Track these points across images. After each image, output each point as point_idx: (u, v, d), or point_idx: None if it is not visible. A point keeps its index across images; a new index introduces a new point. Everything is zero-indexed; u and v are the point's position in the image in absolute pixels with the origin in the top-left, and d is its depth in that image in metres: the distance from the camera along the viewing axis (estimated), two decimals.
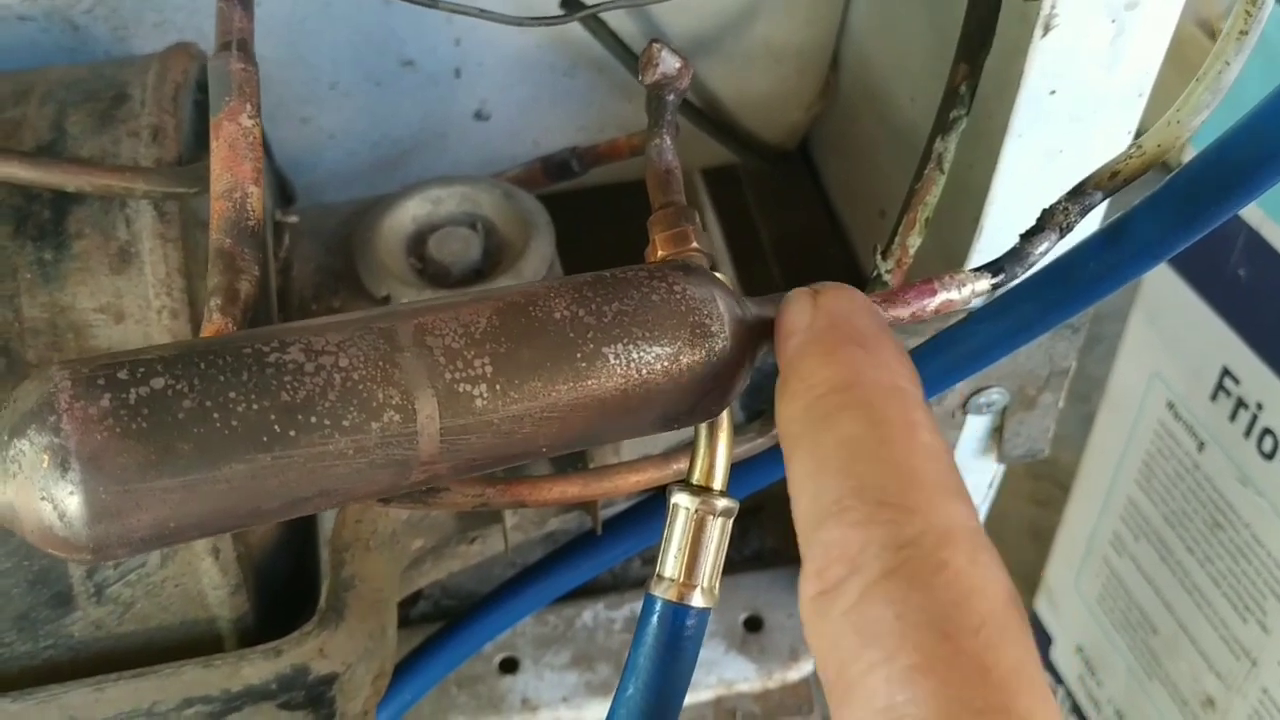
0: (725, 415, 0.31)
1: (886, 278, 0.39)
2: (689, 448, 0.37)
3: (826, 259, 0.63)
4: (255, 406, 0.23)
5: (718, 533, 0.30)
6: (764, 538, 0.61)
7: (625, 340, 0.26)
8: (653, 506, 0.45)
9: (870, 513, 0.22)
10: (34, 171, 0.34)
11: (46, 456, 0.22)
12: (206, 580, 0.36)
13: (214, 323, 0.28)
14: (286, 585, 0.41)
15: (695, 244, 0.32)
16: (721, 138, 0.60)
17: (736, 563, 0.61)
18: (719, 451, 0.30)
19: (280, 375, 0.23)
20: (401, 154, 0.59)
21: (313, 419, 0.23)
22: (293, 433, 0.23)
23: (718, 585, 0.31)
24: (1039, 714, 0.21)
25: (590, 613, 0.58)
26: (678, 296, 0.27)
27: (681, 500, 0.30)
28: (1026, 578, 1.03)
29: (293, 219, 0.45)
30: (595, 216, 0.54)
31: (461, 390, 0.24)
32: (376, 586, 0.38)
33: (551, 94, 0.57)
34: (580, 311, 0.26)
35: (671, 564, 0.30)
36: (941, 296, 0.31)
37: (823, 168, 0.66)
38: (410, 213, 0.45)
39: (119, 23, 0.49)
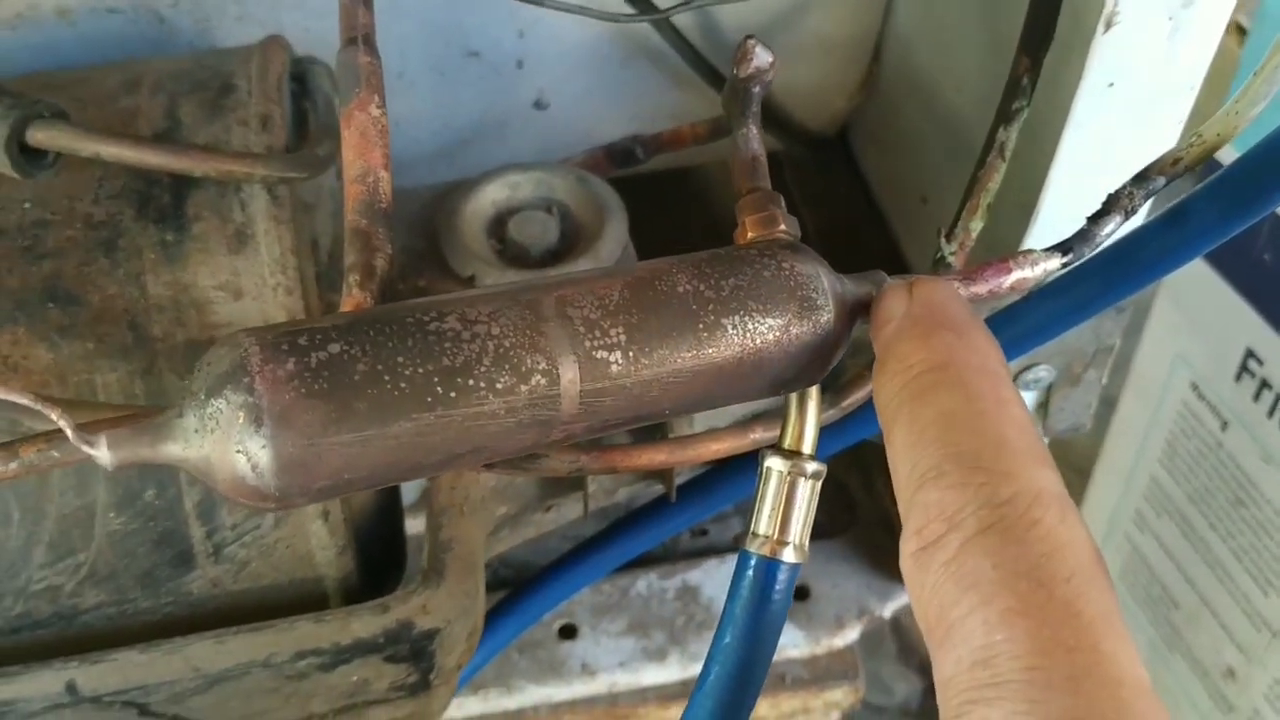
0: (814, 387, 0.33)
1: (950, 259, 0.41)
2: (760, 419, 0.40)
3: (867, 244, 0.65)
4: (421, 370, 0.25)
5: (807, 494, 0.33)
6: None
7: (741, 312, 0.28)
8: (717, 477, 0.47)
9: (966, 476, 0.24)
10: (164, 157, 0.36)
11: (242, 414, 0.24)
12: (316, 541, 0.39)
13: (353, 297, 0.30)
14: (378, 550, 0.43)
15: (783, 226, 0.34)
16: (768, 125, 0.62)
17: None
18: (809, 419, 0.33)
19: (441, 342, 0.25)
20: (461, 142, 0.61)
21: (470, 382, 0.25)
22: (453, 394, 0.25)
23: (807, 543, 0.33)
24: (1123, 654, 0.22)
25: (644, 582, 0.60)
26: (786, 273, 0.29)
27: (775, 464, 0.32)
28: None
29: None
30: (653, 201, 0.56)
31: (599, 356, 0.27)
32: (470, 549, 0.40)
33: (607, 85, 0.59)
34: (701, 286, 0.28)
35: (765, 522, 0.33)
36: (1016, 274, 0.34)
37: (862, 156, 0.68)
38: (490, 197, 0.47)
39: (202, 15, 0.52)
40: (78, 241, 0.38)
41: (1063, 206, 0.43)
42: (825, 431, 0.45)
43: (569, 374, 0.26)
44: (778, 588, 0.33)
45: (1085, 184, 0.42)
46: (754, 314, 0.28)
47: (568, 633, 0.58)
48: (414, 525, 0.45)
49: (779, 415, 0.40)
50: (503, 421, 0.26)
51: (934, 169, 0.59)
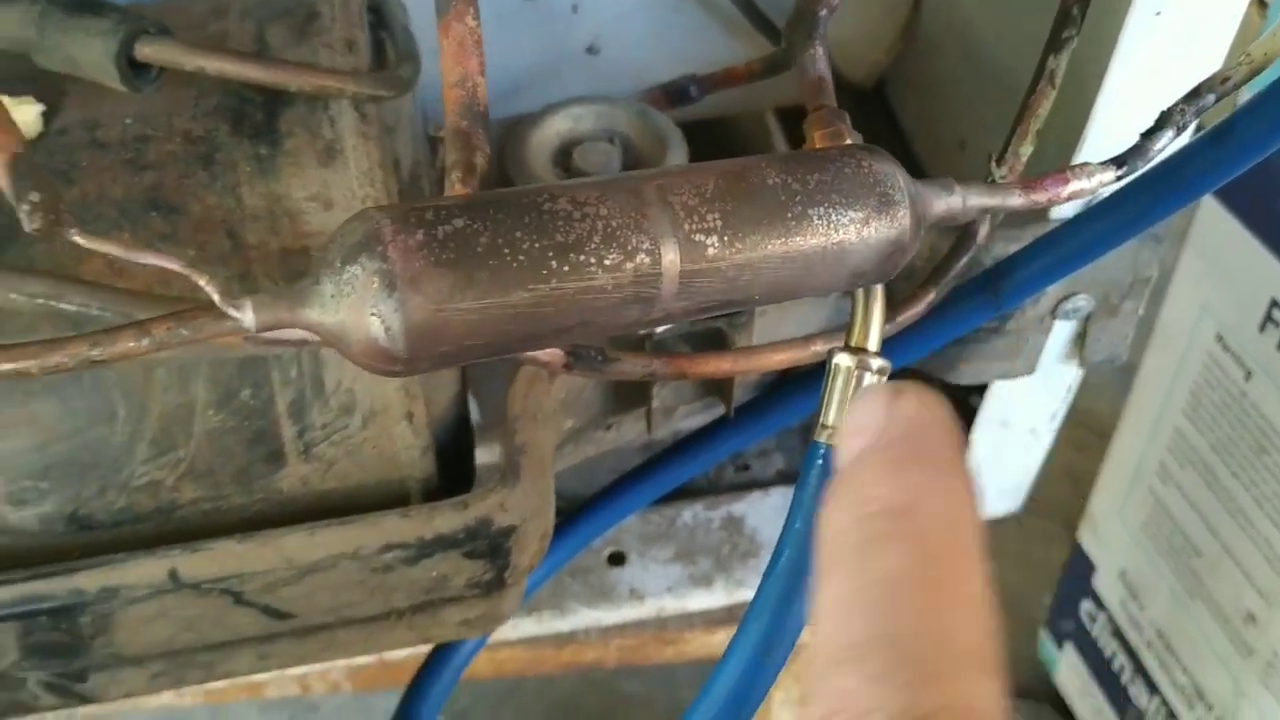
0: (880, 288, 0.35)
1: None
2: (820, 334, 0.42)
3: None
4: (537, 244, 0.27)
5: None
6: None
7: (826, 204, 0.30)
8: (773, 399, 0.49)
9: (890, 671, 0.20)
10: (264, 71, 0.38)
11: (376, 280, 0.26)
12: (400, 442, 0.41)
13: (456, 192, 0.32)
14: (453, 461, 0.45)
15: (849, 140, 0.36)
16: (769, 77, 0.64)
17: None
18: (874, 318, 0.35)
19: (554, 220, 0.28)
20: (515, 85, 0.63)
21: (581, 257, 0.28)
22: (566, 268, 0.27)
23: None
24: None
25: (690, 512, 0.62)
26: (866, 170, 0.31)
27: (842, 360, 0.35)
28: (1065, 519, 1.08)
29: (443, 134, 0.49)
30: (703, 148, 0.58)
31: (697, 240, 0.29)
32: (543, 454, 0.42)
33: (659, 29, 0.61)
34: (788, 179, 0.30)
35: (834, 414, 0.35)
36: (1073, 185, 0.36)
37: (900, 106, 0.70)
38: (554, 128, 0.49)
39: None
40: (177, 155, 0.40)
41: (1108, 134, 0.45)
42: (800, 389, 0.48)
43: (670, 255, 0.28)
44: None
45: (1130, 112, 0.43)
46: (837, 206, 0.30)
47: (617, 559, 0.61)
48: (482, 455, 0.47)
49: (838, 331, 0.42)
50: (609, 297, 0.28)
51: (972, 115, 0.61)
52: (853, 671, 0.20)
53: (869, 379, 0.35)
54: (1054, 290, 0.49)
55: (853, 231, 0.31)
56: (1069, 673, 1.00)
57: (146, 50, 0.38)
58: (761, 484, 0.64)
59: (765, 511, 0.63)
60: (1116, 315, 0.51)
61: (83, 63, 0.38)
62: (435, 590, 0.42)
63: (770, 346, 0.42)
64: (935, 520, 0.22)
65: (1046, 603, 1.06)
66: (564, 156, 0.49)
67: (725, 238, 0.29)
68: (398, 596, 0.42)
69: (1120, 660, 0.92)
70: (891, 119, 0.71)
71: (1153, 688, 0.89)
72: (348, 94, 0.39)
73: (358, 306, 0.26)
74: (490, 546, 0.41)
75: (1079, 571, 0.95)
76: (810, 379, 0.49)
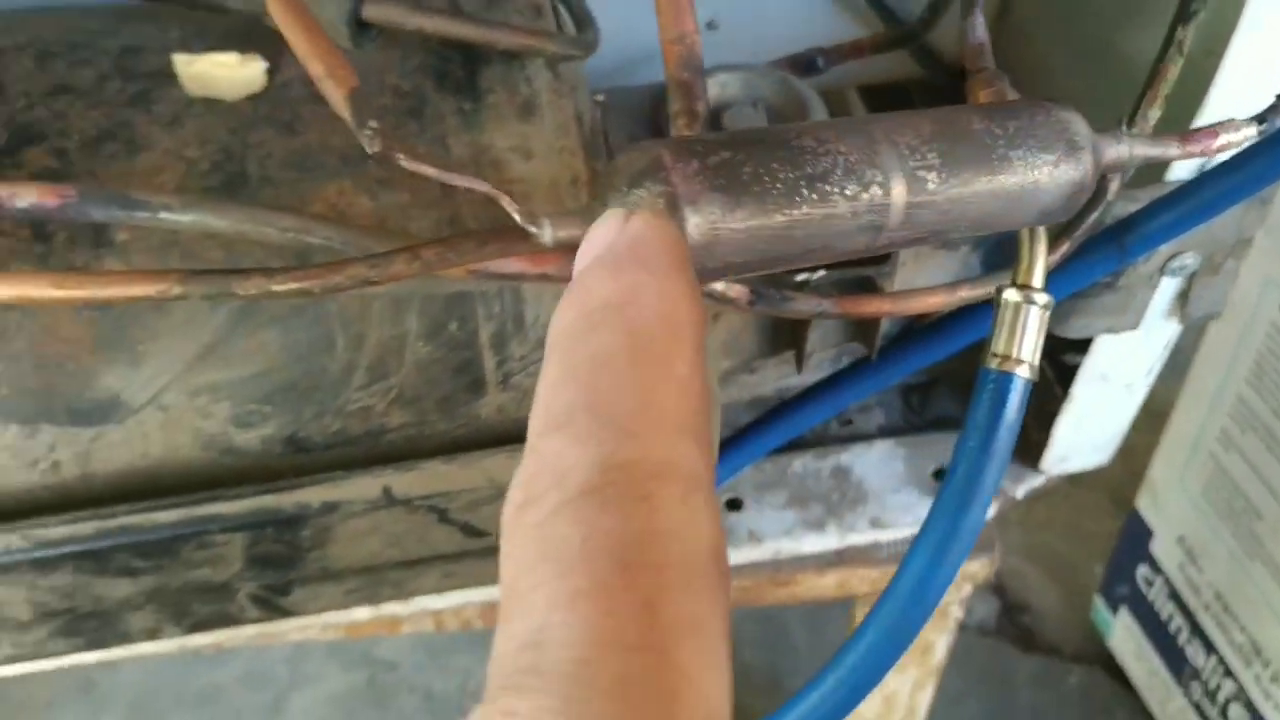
0: (1043, 230, 0.39)
1: None
2: (965, 281, 0.46)
3: None
4: (791, 174, 0.31)
5: (1038, 321, 0.39)
6: (943, 406, 0.70)
7: (1023, 148, 0.34)
8: (910, 342, 0.53)
9: (592, 431, 0.21)
10: (477, 30, 0.42)
11: (661, 201, 0.30)
12: None
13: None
14: None
15: (1012, 98, 0.40)
16: (914, 54, 0.68)
17: (919, 427, 0.69)
18: (1039, 257, 0.39)
19: (803, 154, 0.31)
20: (632, 60, 0.67)
21: (827, 187, 0.31)
22: (814, 196, 0.31)
23: (1038, 363, 0.39)
24: (698, 669, 0.19)
25: (800, 462, 0.66)
26: (1054, 118, 0.35)
27: (1010, 295, 0.39)
28: (1113, 491, 1.12)
29: (600, 98, 0.53)
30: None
31: (919, 175, 0.33)
32: (710, 387, 0.46)
33: (777, 6, 0.64)
34: (990, 125, 0.34)
35: (1002, 344, 0.39)
36: (1222, 139, 0.39)
37: None
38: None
39: None
40: (389, 108, 0.44)
41: (1232, 99, 0.48)
42: (932, 335, 0.52)
43: (898, 188, 0.32)
44: (1012, 399, 0.39)
45: (1252, 80, 0.47)
46: (1033, 149, 0.34)
47: (734, 505, 0.64)
48: None
49: (981, 278, 0.46)
50: (847, 224, 0.32)
51: (1066, 93, 0.64)
52: (557, 435, 0.21)
53: (1033, 313, 0.39)
54: (1165, 248, 0.53)
55: (1045, 172, 0.34)
56: (1124, 636, 1.03)
57: (372, 11, 0.42)
58: (864, 436, 0.68)
59: (871, 461, 0.66)
60: (1218, 274, 0.55)
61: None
62: None
63: (925, 290, 0.46)
64: (648, 310, 0.23)
65: (1097, 572, 1.10)
66: (712, 119, 0.52)
67: (942, 174, 0.33)
68: None
69: (1177, 622, 0.96)
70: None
71: (1210, 647, 0.93)
72: (547, 53, 0.43)
73: None
74: None
75: (1136, 538, 0.99)
76: (939, 328, 0.53)
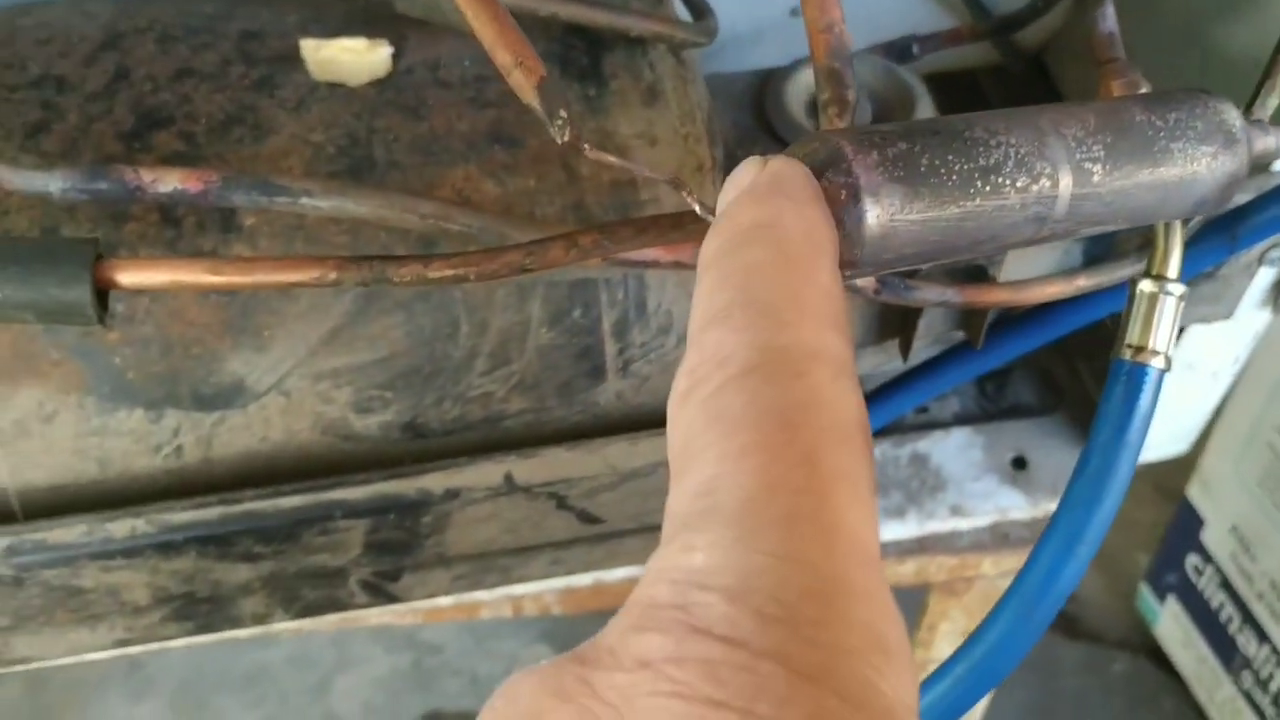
0: (1179, 222, 0.39)
1: None
2: (1083, 270, 0.46)
3: None
4: (967, 166, 0.31)
5: (1172, 311, 0.39)
6: (1018, 394, 0.70)
7: (1184, 139, 0.34)
8: (1012, 329, 0.53)
9: (751, 320, 0.23)
10: (610, 16, 0.42)
11: (844, 192, 0.30)
12: None
13: (834, 126, 0.36)
14: None
15: (1144, 89, 0.40)
16: (993, 40, 0.68)
17: (995, 415, 0.69)
18: (1175, 248, 0.39)
19: (975, 146, 0.31)
20: (719, 46, 0.66)
21: (999, 179, 0.31)
22: (987, 188, 0.31)
23: (1172, 353, 0.39)
24: (853, 512, 0.21)
25: (879, 450, 0.66)
26: (1212, 110, 0.35)
27: (1145, 286, 0.39)
28: (1157, 482, 1.12)
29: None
30: None
31: (1086, 167, 0.32)
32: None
33: None
34: (1151, 116, 0.34)
35: (1136, 334, 0.39)
36: None
37: (1062, 74, 0.74)
38: (804, 81, 0.53)
39: None
40: (514, 94, 0.43)
41: None
42: (1031, 324, 0.52)
43: (1065, 180, 0.32)
44: (1146, 389, 0.39)
45: None
46: (1194, 141, 0.34)
47: None
48: None
49: (1100, 268, 0.46)
50: (1017, 215, 0.32)
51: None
52: (717, 327, 0.23)
53: (1168, 304, 0.39)
54: (1266, 241, 0.53)
55: (1204, 164, 0.34)
56: (1171, 625, 1.04)
57: None
58: (941, 424, 0.68)
59: (949, 449, 0.66)
60: None
61: (446, 7, 0.42)
62: None
63: (1043, 280, 0.46)
64: (793, 228, 0.25)
65: (1141, 561, 1.11)
66: (814, 106, 0.52)
67: (1107, 166, 0.33)
68: None
69: (1228, 611, 0.96)
70: (1051, 86, 0.74)
71: (1263, 637, 0.93)
72: (677, 39, 0.43)
73: None
74: None
75: (1186, 527, 0.99)
76: (1041, 314, 0.53)
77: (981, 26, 0.57)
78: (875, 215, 0.30)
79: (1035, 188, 0.32)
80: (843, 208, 0.30)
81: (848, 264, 0.31)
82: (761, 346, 0.22)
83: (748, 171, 0.28)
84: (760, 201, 0.26)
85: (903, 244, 0.31)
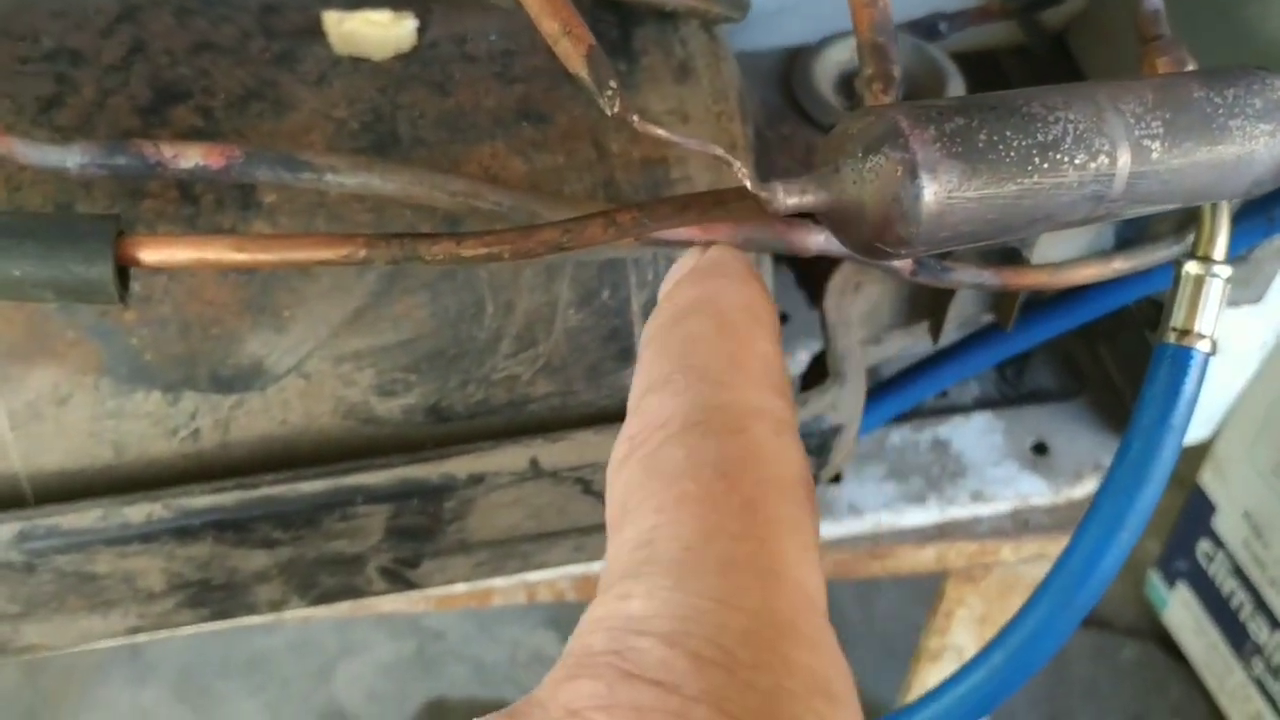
0: (1225, 203, 0.38)
1: None
2: (1119, 252, 0.45)
3: None
4: (1024, 142, 0.30)
5: (1218, 294, 0.38)
6: (1039, 378, 0.69)
7: (1243, 117, 0.33)
8: (1043, 311, 0.52)
9: (691, 383, 0.23)
10: None
11: (900, 168, 0.29)
12: None
13: (879, 101, 0.35)
14: None
15: (1191, 66, 0.39)
16: (1019, 18, 0.66)
17: (1015, 400, 0.68)
18: (1221, 229, 0.38)
19: (1034, 121, 0.30)
20: (745, 21, 0.65)
21: (1058, 156, 0.30)
22: (1045, 165, 0.30)
23: (1217, 336, 0.38)
24: (794, 557, 0.21)
25: (898, 435, 0.65)
26: (1269, 87, 0.34)
27: (1190, 267, 0.38)
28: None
29: None
30: None
31: (1144, 144, 0.31)
32: (859, 361, 0.45)
33: None
34: (1210, 93, 0.33)
35: (1181, 317, 0.38)
36: None
37: (1085, 55, 0.72)
38: (834, 58, 0.52)
39: None
40: (541, 69, 0.42)
41: None
42: (1060, 307, 0.51)
43: (1124, 157, 0.31)
44: (1191, 372, 0.38)
45: None
46: (1252, 119, 0.33)
47: (834, 477, 0.64)
48: None
49: (1136, 250, 0.45)
50: (1074, 193, 0.31)
51: None
52: (657, 393, 0.24)
53: (1214, 286, 0.38)
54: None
55: (1262, 143, 0.33)
56: (1181, 611, 1.03)
57: None
58: (961, 409, 0.67)
59: (969, 434, 0.66)
60: None
61: None
62: None
63: (1079, 262, 0.45)
64: (730, 303, 0.26)
65: (1151, 547, 1.10)
66: (844, 84, 0.51)
67: (1165, 143, 0.32)
68: None
69: (1240, 597, 0.96)
70: (1073, 66, 0.73)
71: (1275, 623, 0.92)
72: (709, 14, 0.42)
73: (881, 191, 0.29)
74: (819, 444, 0.44)
75: (1197, 513, 0.98)
76: (1073, 297, 0.52)
77: (1010, 4, 0.56)
78: (933, 192, 0.29)
79: (1094, 165, 0.31)
80: (899, 184, 0.29)
81: (902, 241, 0.30)
82: (701, 405, 0.23)
83: (686, 259, 0.28)
84: (698, 281, 0.27)
85: (959, 221, 0.30)
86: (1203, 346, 0.38)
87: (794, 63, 0.51)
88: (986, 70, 0.72)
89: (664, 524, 0.21)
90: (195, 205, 0.40)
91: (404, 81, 0.42)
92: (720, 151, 0.29)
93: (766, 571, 0.20)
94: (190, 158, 0.36)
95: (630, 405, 0.24)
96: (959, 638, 0.75)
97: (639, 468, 0.22)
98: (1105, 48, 0.70)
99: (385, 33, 0.41)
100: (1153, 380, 0.38)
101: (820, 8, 0.64)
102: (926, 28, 0.57)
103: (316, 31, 0.42)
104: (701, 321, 0.25)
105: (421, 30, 0.42)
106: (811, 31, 0.64)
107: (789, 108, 0.51)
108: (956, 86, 0.51)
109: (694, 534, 0.21)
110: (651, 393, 0.24)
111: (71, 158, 0.36)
